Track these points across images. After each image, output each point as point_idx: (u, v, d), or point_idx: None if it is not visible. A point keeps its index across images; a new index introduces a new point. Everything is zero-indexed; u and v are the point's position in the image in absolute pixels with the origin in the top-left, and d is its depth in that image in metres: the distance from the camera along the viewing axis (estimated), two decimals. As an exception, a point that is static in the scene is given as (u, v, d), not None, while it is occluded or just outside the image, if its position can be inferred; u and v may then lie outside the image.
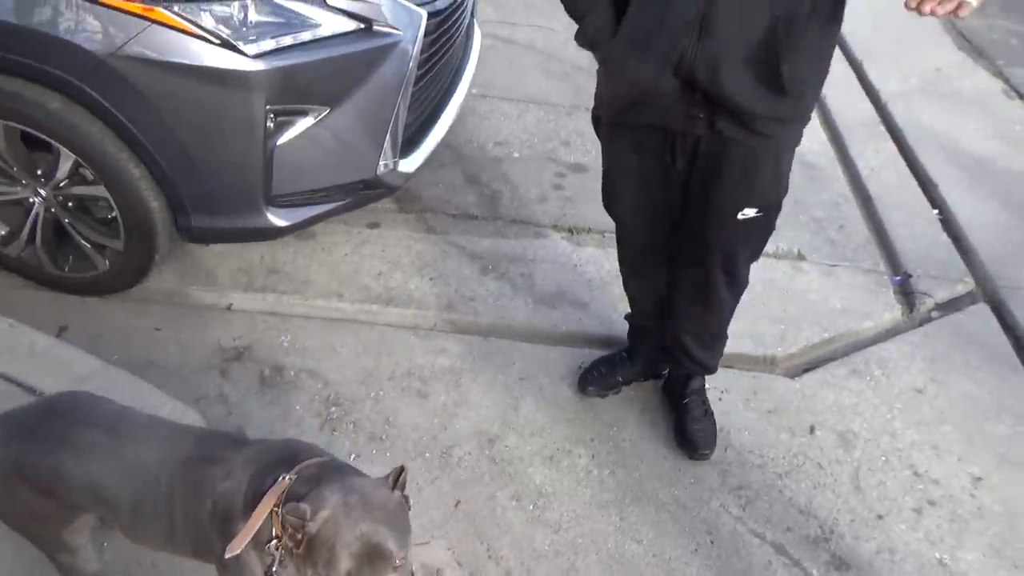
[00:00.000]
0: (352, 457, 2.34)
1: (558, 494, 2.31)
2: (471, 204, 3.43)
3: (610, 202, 2.22)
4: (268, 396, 2.52)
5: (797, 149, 1.97)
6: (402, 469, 1.33)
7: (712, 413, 2.52)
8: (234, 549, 1.30)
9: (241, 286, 2.91)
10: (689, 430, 2.44)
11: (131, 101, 2.27)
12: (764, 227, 2.06)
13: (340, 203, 2.70)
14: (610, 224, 2.30)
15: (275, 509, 1.32)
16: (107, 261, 2.70)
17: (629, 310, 2.54)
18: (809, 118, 1.92)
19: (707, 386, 2.58)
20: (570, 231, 3.30)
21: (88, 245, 2.68)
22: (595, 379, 2.57)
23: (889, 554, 2.23)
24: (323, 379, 2.59)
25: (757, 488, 2.38)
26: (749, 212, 1.97)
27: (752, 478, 2.41)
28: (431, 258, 3.11)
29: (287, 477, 1.34)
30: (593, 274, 3.09)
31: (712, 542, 2.22)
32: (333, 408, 2.50)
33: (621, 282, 2.49)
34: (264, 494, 1.34)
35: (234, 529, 1.35)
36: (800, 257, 3.29)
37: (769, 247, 3.02)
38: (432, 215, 3.34)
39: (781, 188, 1.99)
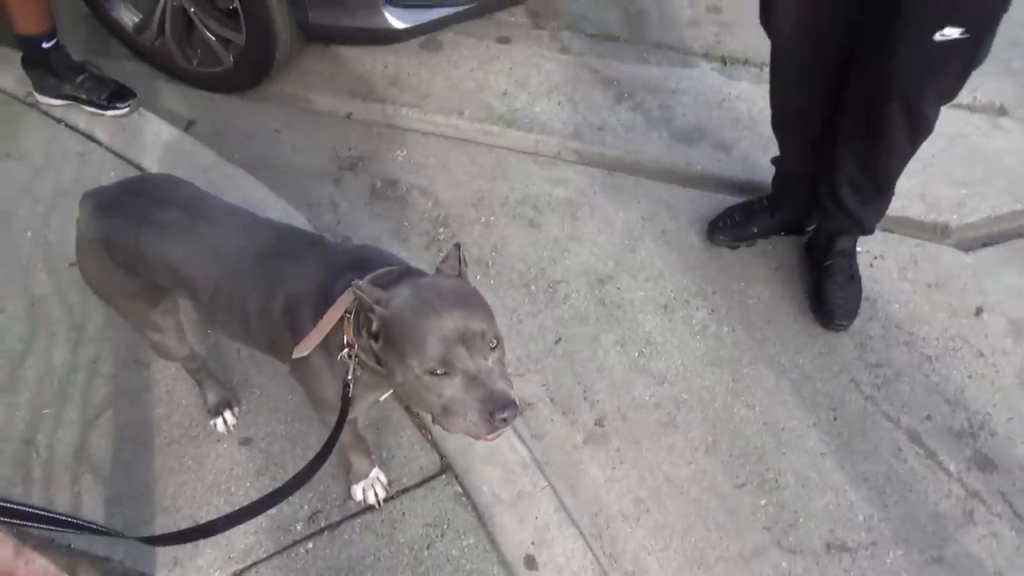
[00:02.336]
0: (455, 280, 2.25)
1: (667, 345, 2.13)
2: (613, 24, 3.06)
3: (768, 11, 1.84)
4: (378, 209, 2.44)
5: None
6: (457, 247, 1.22)
7: (859, 280, 2.20)
8: (301, 351, 1.23)
9: (361, 95, 2.79)
10: (828, 295, 2.14)
11: None
12: (969, 54, 1.62)
13: (464, 7, 2.44)
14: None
15: (346, 315, 1.22)
16: (231, 56, 2.64)
17: (778, 152, 2.20)
18: None
19: (858, 249, 2.24)
20: (723, 61, 2.89)
21: (213, 38, 2.61)
22: (727, 226, 2.29)
23: (1048, 461, 1.92)
24: (434, 197, 2.47)
25: (899, 368, 2.09)
26: (951, 32, 1.55)
27: (894, 356, 2.11)
28: (562, 80, 2.83)
29: (359, 282, 1.23)
30: (742, 112, 2.71)
31: (835, 418, 1.99)
32: (441, 229, 2.39)
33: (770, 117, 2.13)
34: (336, 298, 1.24)
35: (302, 329, 1.27)
36: (1001, 112, 2.73)
37: (962, 96, 2.51)
38: (569, 33, 3.01)
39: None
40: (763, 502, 1.86)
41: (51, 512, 1.02)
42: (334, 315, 1.23)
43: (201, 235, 1.38)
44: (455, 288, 1.18)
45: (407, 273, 1.27)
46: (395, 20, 2.36)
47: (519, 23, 3.05)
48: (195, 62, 2.72)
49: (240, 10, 2.44)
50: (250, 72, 2.69)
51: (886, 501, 1.86)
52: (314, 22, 2.44)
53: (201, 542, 1.67)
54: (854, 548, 1.79)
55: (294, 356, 1.23)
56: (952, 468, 1.91)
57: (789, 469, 1.91)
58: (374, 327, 1.16)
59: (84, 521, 1.07)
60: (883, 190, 1.99)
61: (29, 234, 2.27)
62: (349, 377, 1.25)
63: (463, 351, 1.11)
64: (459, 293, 1.17)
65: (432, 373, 1.11)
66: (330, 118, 2.74)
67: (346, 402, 1.26)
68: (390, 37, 2.43)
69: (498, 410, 1.09)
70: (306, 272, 1.32)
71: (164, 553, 1.68)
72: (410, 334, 1.12)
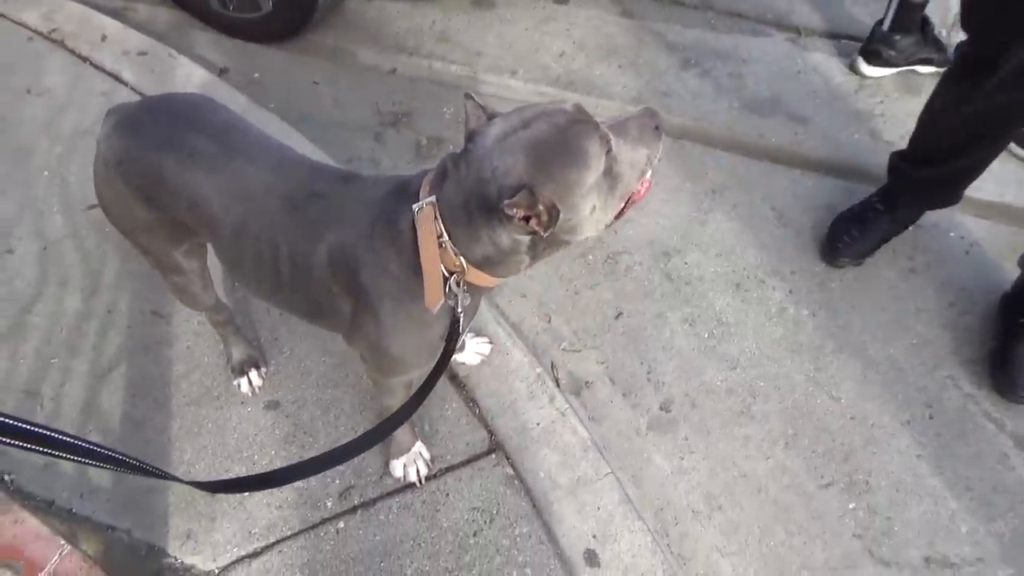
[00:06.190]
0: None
1: (741, 326, 1.91)
2: (679, -11, 2.85)
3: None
4: (422, 166, 2.24)
5: None
6: (467, 96, 1.06)
7: None
8: (432, 304, 1.05)
9: (408, 50, 2.59)
10: (1017, 360, 1.78)
11: None
12: None
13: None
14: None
15: (440, 240, 1.02)
16: (270, 1, 2.45)
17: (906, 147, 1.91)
18: None
19: None
20: (797, 31, 2.66)
21: (253, -20, 2.43)
22: (848, 244, 1.99)
23: None
24: (484, 158, 2.26)
25: (1000, 366, 1.86)
26: None
27: (996, 353, 1.88)
28: (623, 44, 2.62)
29: (426, 202, 1.02)
30: (819, 85, 2.48)
31: (931, 417, 1.77)
32: (491, 191, 2.18)
33: (921, 118, 1.83)
34: (403, 230, 1.05)
35: (368, 287, 1.11)
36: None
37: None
38: (631, -4, 2.81)
39: None
40: (852, 506, 1.64)
41: (79, 440, 0.76)
42: (430, 247, 1.02)
43: (229, 166, 1.17)
44: (523, 111, 1.02)
45: (454, 157, 1.04)
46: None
47: (578, -16, 2.84)
48: (231, 7, 2.53)
49: (284, -53, 2.25)
50: (290, 20, 2.50)
51: (992, 513, 1.63)
52: (363, -37, 2.25)
53: (219, 514, 1.48)
54: (957, 564, 1.56)
55: (429, 307, 1.05)
56: (1066, 479, 1.69)
57: (881, 470, 1.69)
58: (540, 208, 0.94)
59: (123, 455, 0.80)
60: None
61: (46, 174, 2.10)
62: (459, 311, 1.09)
63: (651, 143, 1.08)
64: (523, 109, 1.02)
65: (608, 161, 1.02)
66: (373, 73, 2.54)
67: (455, 338, 1.11)
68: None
69: (652, 120, 1.09)
70: (349, 215, 1.11)
71: (177, 526, 1.48)
72: (561, 154, 0.98)
